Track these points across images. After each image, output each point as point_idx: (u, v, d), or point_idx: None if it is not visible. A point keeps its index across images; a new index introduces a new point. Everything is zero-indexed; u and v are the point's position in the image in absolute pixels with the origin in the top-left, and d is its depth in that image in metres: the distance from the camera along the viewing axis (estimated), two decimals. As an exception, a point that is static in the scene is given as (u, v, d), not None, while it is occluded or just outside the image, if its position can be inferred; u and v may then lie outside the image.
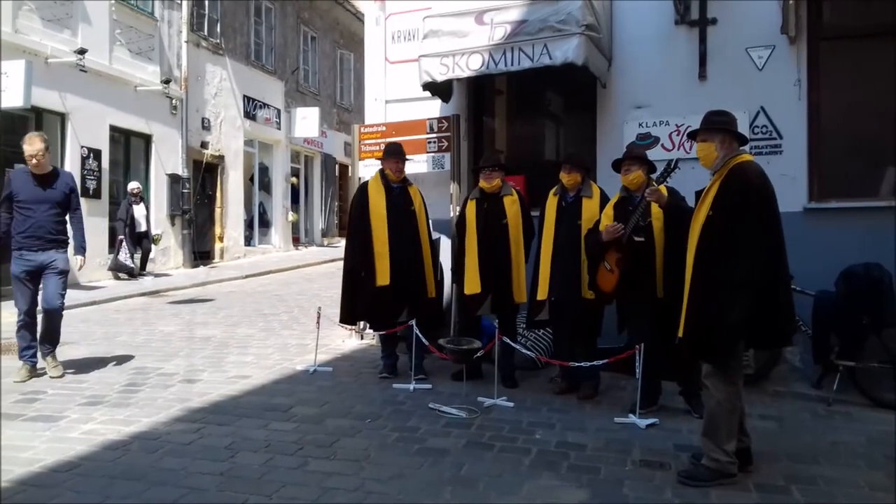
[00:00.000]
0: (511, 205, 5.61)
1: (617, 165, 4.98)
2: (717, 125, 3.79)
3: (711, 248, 3.65)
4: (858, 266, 5.09)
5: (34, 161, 5.46)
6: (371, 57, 7.66)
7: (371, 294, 5.69)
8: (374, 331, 6.17)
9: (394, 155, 5.80)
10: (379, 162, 6.23)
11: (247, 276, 13.70)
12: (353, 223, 5.97)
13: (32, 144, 5.48)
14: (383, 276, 5.62)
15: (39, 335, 5.72)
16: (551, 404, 5.13)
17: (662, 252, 4.73)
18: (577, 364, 5.07)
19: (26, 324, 5.61)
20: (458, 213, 6.16)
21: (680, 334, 3.78)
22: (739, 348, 3.72)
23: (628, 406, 4.86)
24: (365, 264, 5.71)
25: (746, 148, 5.77)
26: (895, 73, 5.68)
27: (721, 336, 3.58)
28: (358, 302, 5.85)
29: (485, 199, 5.70)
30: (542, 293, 5.34)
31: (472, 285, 5.61)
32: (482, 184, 5.71)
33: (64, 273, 5.63)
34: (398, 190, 5.81)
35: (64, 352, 6.79)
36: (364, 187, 5.94)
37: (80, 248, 5.84)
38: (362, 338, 7.35)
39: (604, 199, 5.29)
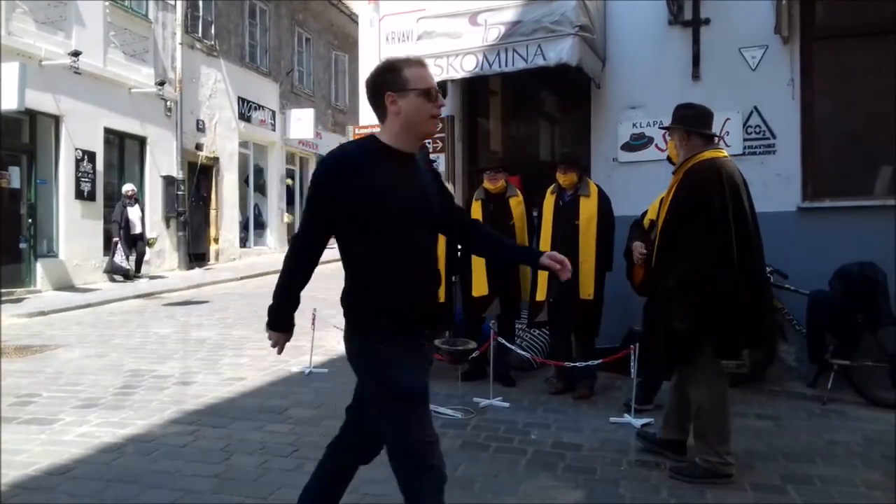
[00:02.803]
0: (517, 206, 5.63)
1: None
2: (676, 121, 3.64)
3: (667, 252, 3.58)
4: (853, 265, 5.10)
5: (436, 107, 2.35)
6: (365, 58, 7.65)
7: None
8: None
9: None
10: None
11: (242, 278, 13.66)
12: None
13: (425, 67, 2.39)
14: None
15: None
16: (547, 404, 5.13)
17: None
18: (572, 364, 5.08)
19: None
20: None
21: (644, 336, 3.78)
22: (704, 352, 3.57)
23: (624, 406, 4.86)
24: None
25: (738, 147, 5.93)
26: (888, 72, 5.71)
27: (667, 341, 3.52)
28: None
29: (490, 200, 5.68)
30: (540, 294, 5.35)
31: (480, 287, 5.60)
32: (486, 185, 5.70)
33: None
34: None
35: (58, 354, 6.79)
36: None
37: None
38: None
39: (602, 199, 5.27)
